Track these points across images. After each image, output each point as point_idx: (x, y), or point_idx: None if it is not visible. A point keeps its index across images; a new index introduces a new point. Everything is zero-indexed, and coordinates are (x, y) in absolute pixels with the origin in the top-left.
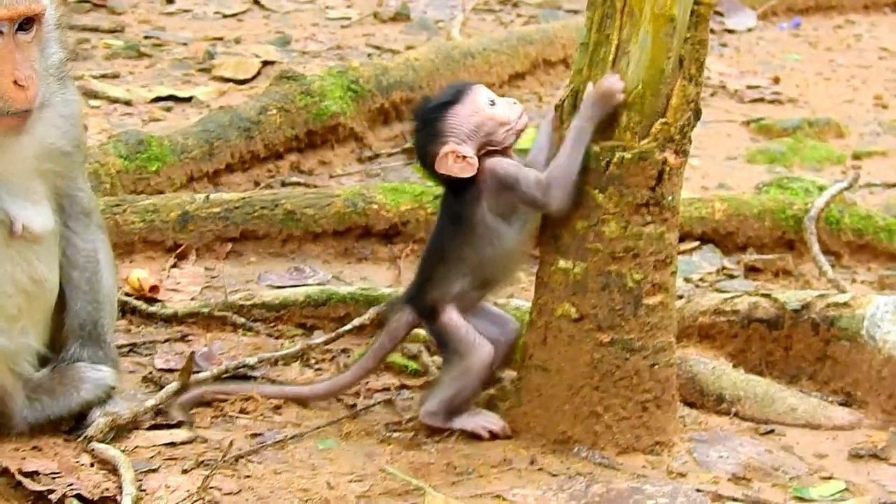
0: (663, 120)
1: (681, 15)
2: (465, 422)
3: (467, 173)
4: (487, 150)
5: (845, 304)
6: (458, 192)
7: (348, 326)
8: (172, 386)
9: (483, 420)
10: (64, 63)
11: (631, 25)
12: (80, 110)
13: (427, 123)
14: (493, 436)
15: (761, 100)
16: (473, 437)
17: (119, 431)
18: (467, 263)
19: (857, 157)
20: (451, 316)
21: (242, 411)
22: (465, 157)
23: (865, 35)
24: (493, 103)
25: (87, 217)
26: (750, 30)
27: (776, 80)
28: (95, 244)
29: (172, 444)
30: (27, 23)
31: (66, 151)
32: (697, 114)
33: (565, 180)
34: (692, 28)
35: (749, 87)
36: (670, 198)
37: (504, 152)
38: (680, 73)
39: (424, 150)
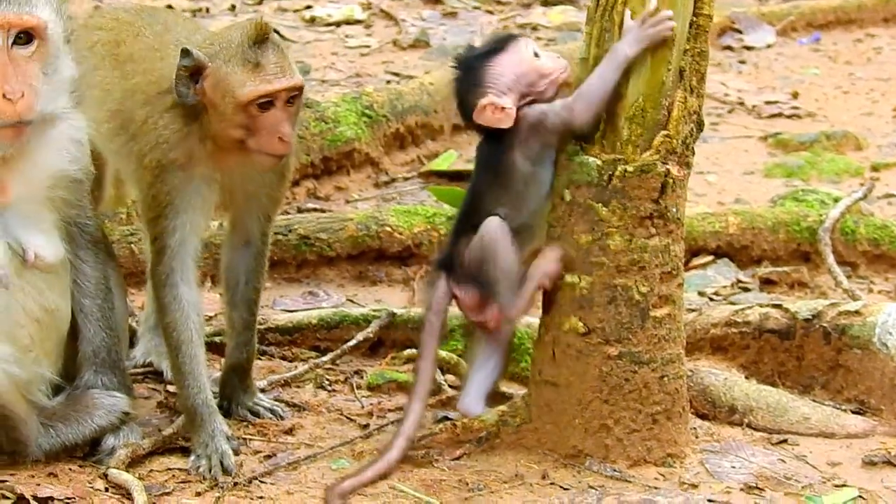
0: (665, 132)
1: (680, 27)
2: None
3: (505, 124)
4: (528, 100)
5: (856, 313)
6: (494, 140)
7: (353, 342)
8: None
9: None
10: (75, 82)
11: None
12: (87, 136)
13: (469, 72)
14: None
15: (780, 115)
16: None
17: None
18: (503, 202)
19: (875, 168)
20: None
21: (256, 433)
22: (503, 108)
23: (885, 48)
24: (537, 55)
25: (95, 245)
26: (769, 46)
27: (795, 95)
28: (106, 271)
29: (185, 468)
30: (24, 37)
31: (77, 178)
32: (700, 125)
33: (593, 97)
34: (692, 40)
35: (767, 103)
36: (675, 210)
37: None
38: (680, 85)
39: (465, 99)
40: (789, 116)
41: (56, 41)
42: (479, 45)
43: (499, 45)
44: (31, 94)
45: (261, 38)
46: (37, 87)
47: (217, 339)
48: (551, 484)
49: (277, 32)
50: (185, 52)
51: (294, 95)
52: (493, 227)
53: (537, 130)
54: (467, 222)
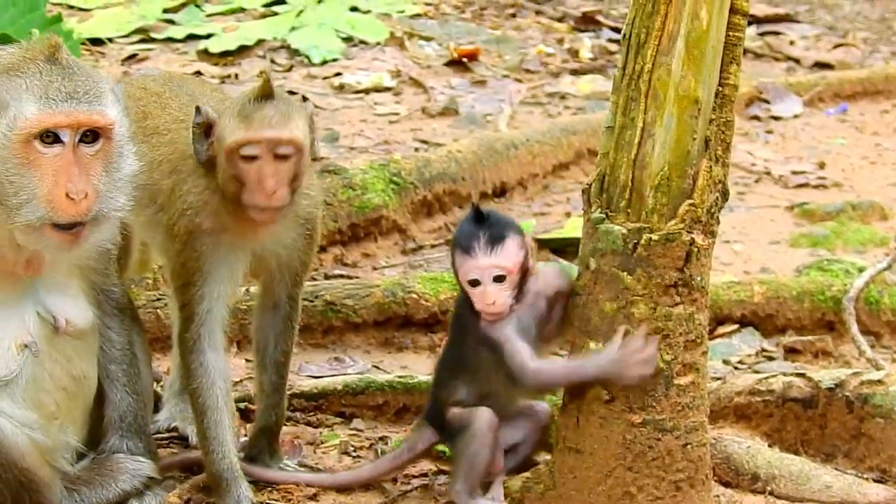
0: (690, 201)
1: (705, 97)
2: None
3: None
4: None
5: (879, 382)
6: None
7: None
8: (202, 476)
9: None
10: (135, 177)
11: (655, 108)
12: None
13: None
14: None
15: (806, 185)
16: None
17: None
18: (466, 369)
19: None
20: (454, 411)
21: (280, 499)
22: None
23: None
24: (474, 284)
25: (121, 311)
26: (796, 116)
27: (821, 165)
28: (131, 337)
29: None
30: (91, 135)
31: (107, 248)
32: (725, 195)
33: (549, 382)
34: (717, 109)
35: (794, 173)
36: (699, 278)
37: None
38: (706, 155)
39: None
40: (816, 186)
41: (120, 139)
42: (472, 222)
43: (465, 241)
44: (93, 193)
45: (263, 94)
46: (98, 187)
47: (242, 404)
48: None
49: (305, 98)
50: (197, 110)
51: (285, 151)
52: (485, 422)
53: (493, 346)
54: (441, 384)
